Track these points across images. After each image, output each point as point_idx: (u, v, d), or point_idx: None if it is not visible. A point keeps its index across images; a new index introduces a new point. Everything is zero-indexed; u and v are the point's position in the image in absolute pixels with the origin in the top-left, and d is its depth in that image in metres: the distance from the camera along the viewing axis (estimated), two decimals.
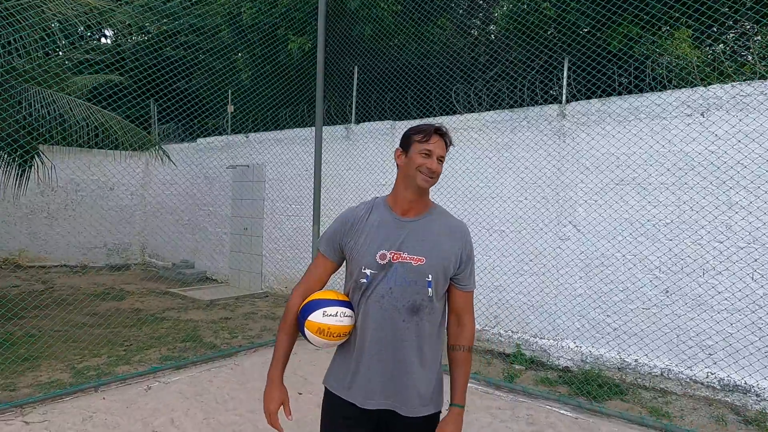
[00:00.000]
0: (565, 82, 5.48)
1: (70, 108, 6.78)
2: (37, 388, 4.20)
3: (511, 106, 6.08)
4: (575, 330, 5.31)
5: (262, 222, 8.83)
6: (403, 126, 6.89)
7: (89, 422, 3.63)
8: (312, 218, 5.79)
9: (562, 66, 5.56)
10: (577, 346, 5.27)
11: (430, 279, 1.67)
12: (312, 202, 5.93)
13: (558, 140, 5.49)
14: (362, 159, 7.23)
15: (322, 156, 6.03)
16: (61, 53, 12.19)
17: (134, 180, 11.68)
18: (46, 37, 6.42)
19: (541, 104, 5.74)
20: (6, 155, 7.08)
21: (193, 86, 9.83)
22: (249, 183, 9.10)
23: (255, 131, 9.10)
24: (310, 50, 7.15)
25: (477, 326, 5.99)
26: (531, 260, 5.64)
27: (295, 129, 8.31)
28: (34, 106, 6.42)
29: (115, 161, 11.31)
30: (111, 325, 6.29)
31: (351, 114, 7.49)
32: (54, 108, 6.61)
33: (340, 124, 7.68)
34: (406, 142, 1.76)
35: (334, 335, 1.66)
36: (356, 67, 7.33)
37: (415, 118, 6.92)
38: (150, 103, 11.27)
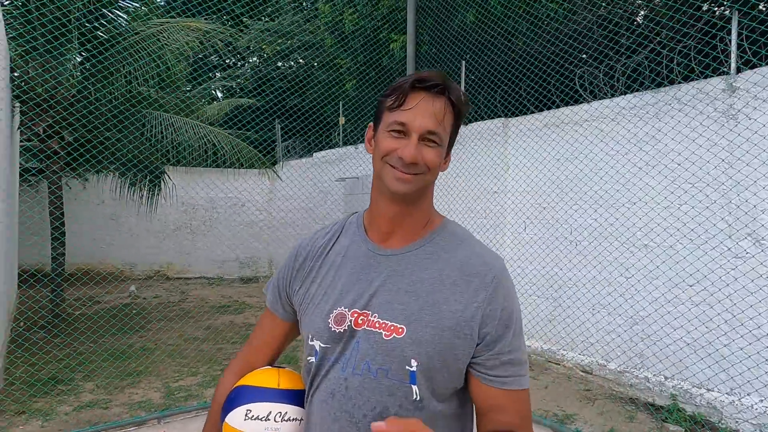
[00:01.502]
0: (734, 45, 4.06)
1: (194, 131, 7.12)
2: (127, 407, 4.18)
3: (657, 86, 4.76)
4: (763, 382, 3.83)
5: None
6: (517, 123, 5.92)
7: None
8: None
9: (729, 25, 4.14)
10: (766, 407, 3.79)
11: (414, 368, 0.89)
12: None
13: (726, 124, 4.08)
14: (470, 163, 6.40)
15: None
16: (195, 85, 13.43)
17: (261, 197, 12.27)
18: (171, 67, 6.81)
19: (697, 78, 4.36)
20: (142, 177, 7.71)
21: (307, 103, 9.96)
22: (359, 195, 8.82)
23: (363, 141, 8.81)
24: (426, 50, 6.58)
25: (614, 365, 4.76)
26: (690, 285, 4.26)
27: None
28: (164, 132, 6.84)
29: (244, 179, 12.00)
30: (219, 341, 6.34)
31: None
32: (183, 132, 6.97)
33: None
34: (377, 112, 1.00)
35: None
36: (463, 62, 6.55)
37: (531, 112, 5.90)
38: (275, 122, 11.79)
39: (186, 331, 6.78)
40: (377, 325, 0.90)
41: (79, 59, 6.54)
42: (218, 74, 13.71)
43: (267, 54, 11.68)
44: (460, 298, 0.92)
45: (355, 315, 0.94)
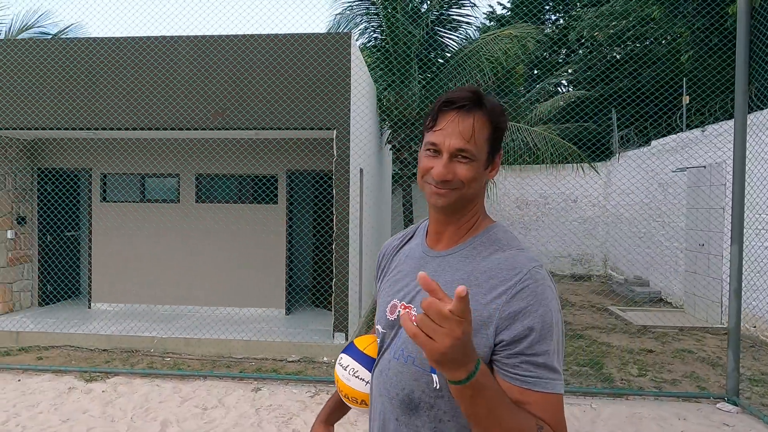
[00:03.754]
0: None
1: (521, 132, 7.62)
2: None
3: None
4: None
5: (722, 237, 6.89)
6: None
7: None
8: (730, 235, 4.08)
9: None
10: None
11: None
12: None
13: None
14: None
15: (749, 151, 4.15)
16: (531, 85, 13.81)
17: (596, 191, 11.67)
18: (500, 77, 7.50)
19: None
20: None
21: (642, 85, 8.90)
22: (705, 188, 7.32)
23: (714, 122, 7.23)
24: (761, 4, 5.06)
25: None
26: None
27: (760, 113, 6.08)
28: None
29: (577, 174, 11.70)
30: None
31: None
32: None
33: None
34: (423, 132, 1.08)
35: (343, 394, 1.21)
36: None
37: None
38: (610, 111, 11.03)
39: None
40: (414, 317, 1.02)
41: (419, 85, 7.97)
42: (554, 71, 13.79)
43: (599, 41, 10.99)
44: (480, 299, 0.96)
45: (404, 307, 1.08)
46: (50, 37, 11.72)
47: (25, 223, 6.91)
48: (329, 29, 8.89)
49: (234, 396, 4.31)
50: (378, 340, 1.18)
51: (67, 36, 11.87)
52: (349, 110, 5.50)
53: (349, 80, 5.49)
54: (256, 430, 3.69)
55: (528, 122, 10.28)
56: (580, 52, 13.24)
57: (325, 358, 5.41)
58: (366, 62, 8.28)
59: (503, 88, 10.20)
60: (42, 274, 7.19)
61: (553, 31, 14.34)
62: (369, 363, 1.19)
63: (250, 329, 5.95)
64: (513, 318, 0.93)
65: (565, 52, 13.87)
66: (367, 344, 1.22)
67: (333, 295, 5.60)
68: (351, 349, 1.23)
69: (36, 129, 5.98)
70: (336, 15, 8.62)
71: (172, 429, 3.68)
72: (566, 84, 15.33)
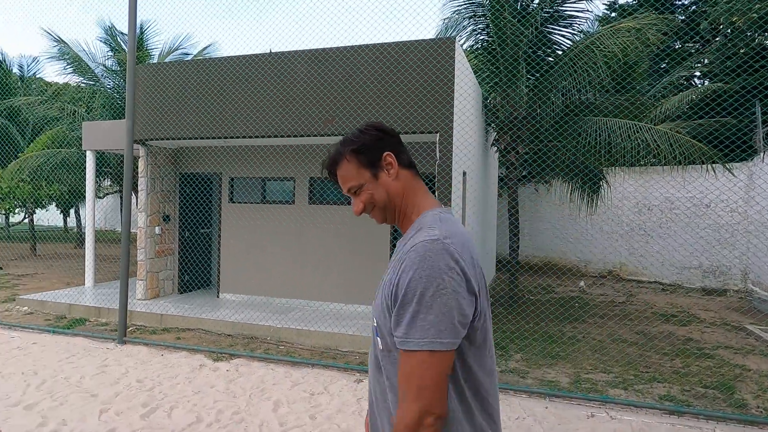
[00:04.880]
0: None
1: (626, 131, 7.11)
2: (538, 382, 4.84)
3: None
4: None
5: None
6: None
7: (514, 422, 3.90)
8: None
9: None
10: None
11: (375, 324, 1.26)
12: None
13: None
14: None
15: None
16: (656, 80, 12.63)
17: (734, 195, 10.35)
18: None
19: None
20: (581, 180, 8.28)
21: None
22: None
23: None
24: None
25: None
26: None
27: None
28: (598, 136, 7.19)
29: (710, 176, 10.48)
30: (647, 348, 6.09)
31: None
32: (617, 134, 7.12)
33: None
34: None
35: None
36: None
37: None
38: (755, 104, 9.75)
39: (617, 331, 6.84)
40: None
41: (526, 85, 7.74)
42: (685, 63, 12.47)
43: (739, 27, 9.69)
44: (391, 271, 1.22)
45: None
46: (190, 57, 13.35)
47: (169, 220, 7.97)
48: (438, 34, 9.01)
49: (338, 385, 4.60)
50: None
51: (204, 56, 13.43)
52: (452, 114, 5.56)
53: (453, 84, 5.55)
54: (357, 418, 3.90)
55: (652, 120, 9.45)
56: (717, 40, 11.82)
57: None
58: (471, 65, 8.26)
59: (622, 84, 9.49)
60: (181, 266, 8.23)
61: (683, 20, 12.98)
62: None
63: (356, 325, 6.26)
64: (396, 284, 1.16)
65: (698, 41, 12.47)
66: None
67: None
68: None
69: (179, 139, 6.89)
70: (444, 20, 8.71)
71: (283, 409, 4.04)
72: (700, 76, 13.79)
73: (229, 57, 6.66)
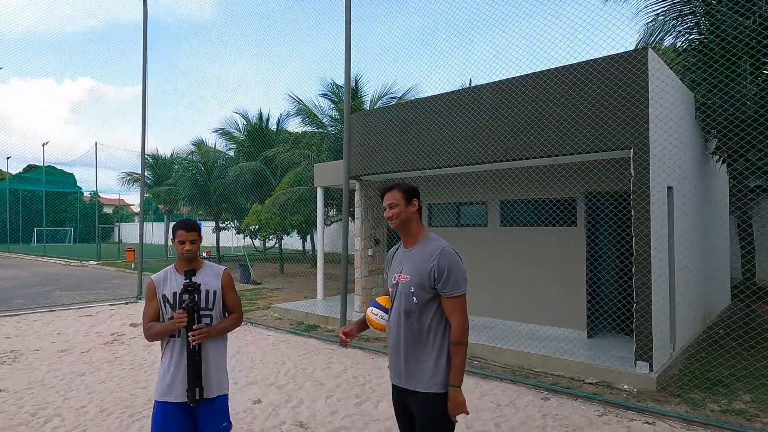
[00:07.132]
0: None
1: None
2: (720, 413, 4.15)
3: None
4: None
5: None
6: None
7: None
8: None
9: None
10: None
11: (413, 290, 2.31)
12: None
13: None
14: None
15: None
16: None
17: None
18: None
19: None
20: None
21: None
22: None
23: None
24: None
25: None
26: None
27: None
28: None
29: None
30: None
31: None
32: None
33: None
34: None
35: (372, 325, 2.57)
36: None
37: None
38: None
39: None
40: (403, 278, 2.38)
41: (752, 82, 6.66)
42: None
43: None
44: (424, 263, 2.31)
45: (397, 275, 2.43)
46: (395, 100, 15.01)
47: (378, 243, 9.15)
48: (638, 42, 8.44)
49: (524, 400, 4.73)
50: (390, 294, 2.50)
51: (408, 98, 14.94)
52: (647, 127, 5.25)
53: (647, 96, 5.25)
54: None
55: None
56: None
57: (625, 386, 5.19)
58: (680, 67, 7.50)
59: None
60: None
61: None
62: (385, 310, 2.51)
63: (549, 346, 6.23)
64: (438, 270, 2.26)
65: None
66: (384, 301, 2.56)
67: (634, 320, 5.35)
68: (376, 304, 2.58)
69: (385, 173, 7.98)
70: (645, 25, 8.12)
71: (472, 414, 4.39)
72: None
73: (420, 99, 7.52)
